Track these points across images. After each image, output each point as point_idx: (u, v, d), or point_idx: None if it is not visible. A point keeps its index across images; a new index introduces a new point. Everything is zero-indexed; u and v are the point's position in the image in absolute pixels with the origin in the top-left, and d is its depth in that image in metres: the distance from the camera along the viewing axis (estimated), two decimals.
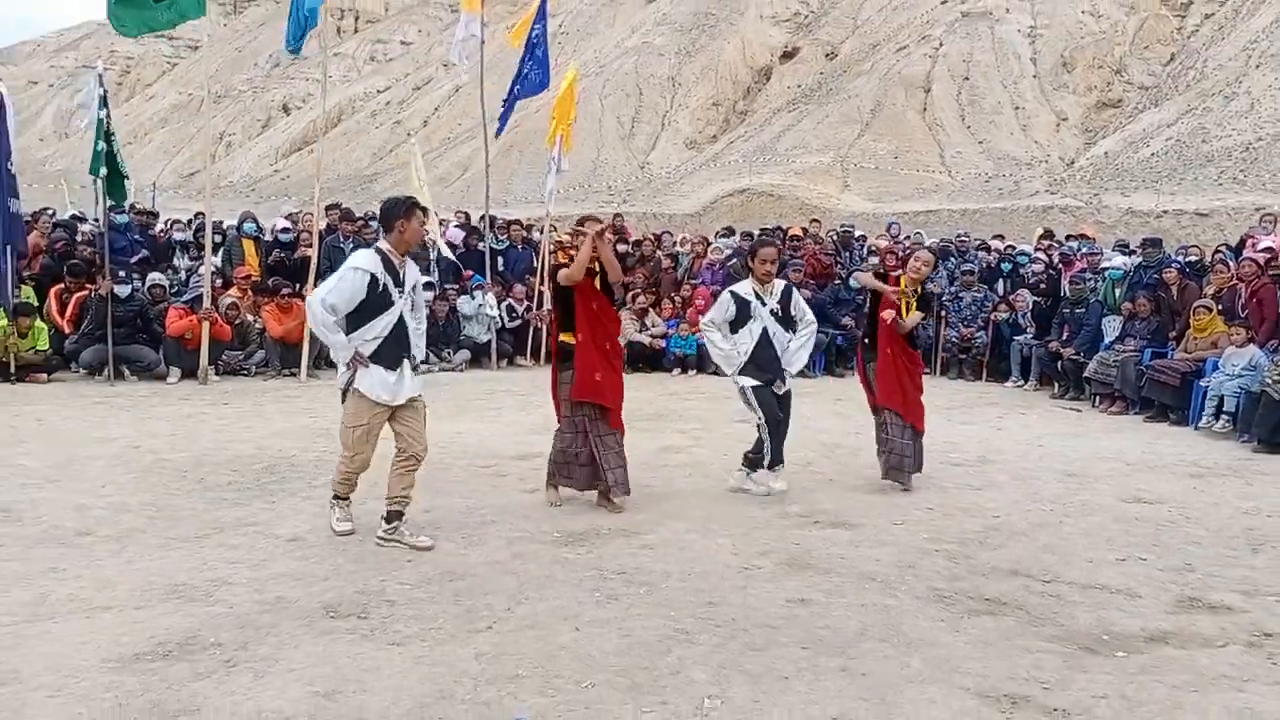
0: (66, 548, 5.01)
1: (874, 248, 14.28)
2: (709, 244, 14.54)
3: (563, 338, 6.15)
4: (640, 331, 12.86)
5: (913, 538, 5.60)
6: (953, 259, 13.91)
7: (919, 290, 6.96)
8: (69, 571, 4.64)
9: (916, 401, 6.94)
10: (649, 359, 12.74)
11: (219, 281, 11.82)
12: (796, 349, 6.64)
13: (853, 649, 4.00)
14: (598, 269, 6.18)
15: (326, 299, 5.11)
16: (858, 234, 15.22)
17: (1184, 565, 5.26)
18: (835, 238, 14.63)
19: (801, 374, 12.21)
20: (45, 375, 10.36)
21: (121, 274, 10.81)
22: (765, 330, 6.54)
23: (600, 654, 3.87)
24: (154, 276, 11.40)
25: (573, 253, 6.13)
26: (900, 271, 7.14)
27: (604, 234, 6.05)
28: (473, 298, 12.95)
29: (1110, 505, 6.52)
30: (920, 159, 64.20)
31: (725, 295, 6.74)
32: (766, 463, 6.59)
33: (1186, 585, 4.95)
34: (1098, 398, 10.83)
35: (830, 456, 7.80)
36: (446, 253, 13.04)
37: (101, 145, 10.41)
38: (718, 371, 12.51)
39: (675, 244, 14.96)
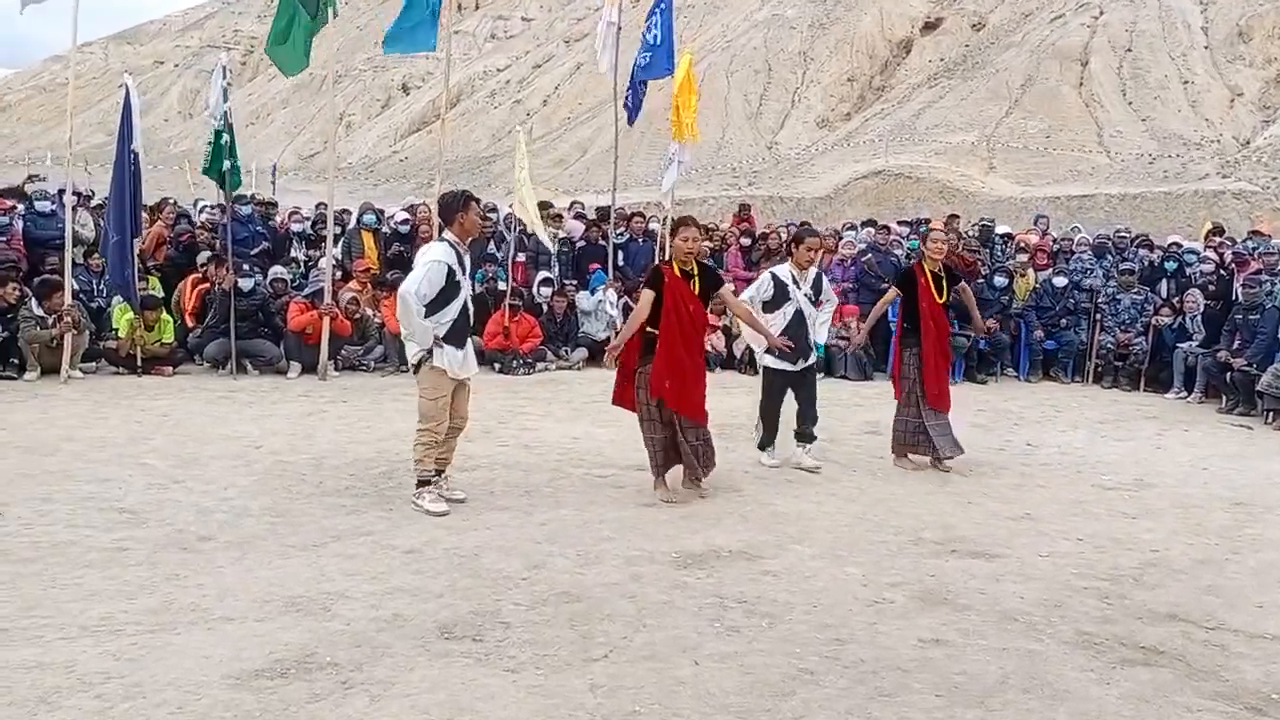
0: (189, 553, 5.28)
1: (1023, 244, 13.87)
2: (840, 237, 14.35)
3: (647, 329, 6.60)
4: None
5: (1060, 572, 5.44)
6: (1110, 256, 13.41)
7: (943, 271, 7.80)
8: (190, 579, 4.89)
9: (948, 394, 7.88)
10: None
11: (338, 274, 12.24)
12: (822, 322, 7.68)
13: (992, 699, 3.91)
14: (694, 271, 6.69)
15: (419, 290, 5.94)
16: (1001, 231, 14.75)
17: None
18: (974, 232, 14.25)
19: None
20: (170, 368, 10.93)
21: (245, 267, 11.31)
22: (799, 311, 7.40)
23: (720, 692, 3.89)
24: (276, 270, 11.89)
25: (688, 248, 6.63)
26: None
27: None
28: (592, 293, 13.10)
29: None
30: (1075, 138, 61.93)
31: (766, 276, 7.56)
32: (758, 442, 7.70)
33: None
34: (1271, 414, 10.30)
35: (971, 476, 7.63)
36: (545, 242, 13.04)
37: (225, 139, 10.86)
38: (847, 375, 12.40)
39: None
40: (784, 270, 7.51)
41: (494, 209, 14.25)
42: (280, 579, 4.94)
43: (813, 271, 7.56)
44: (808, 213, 44.61)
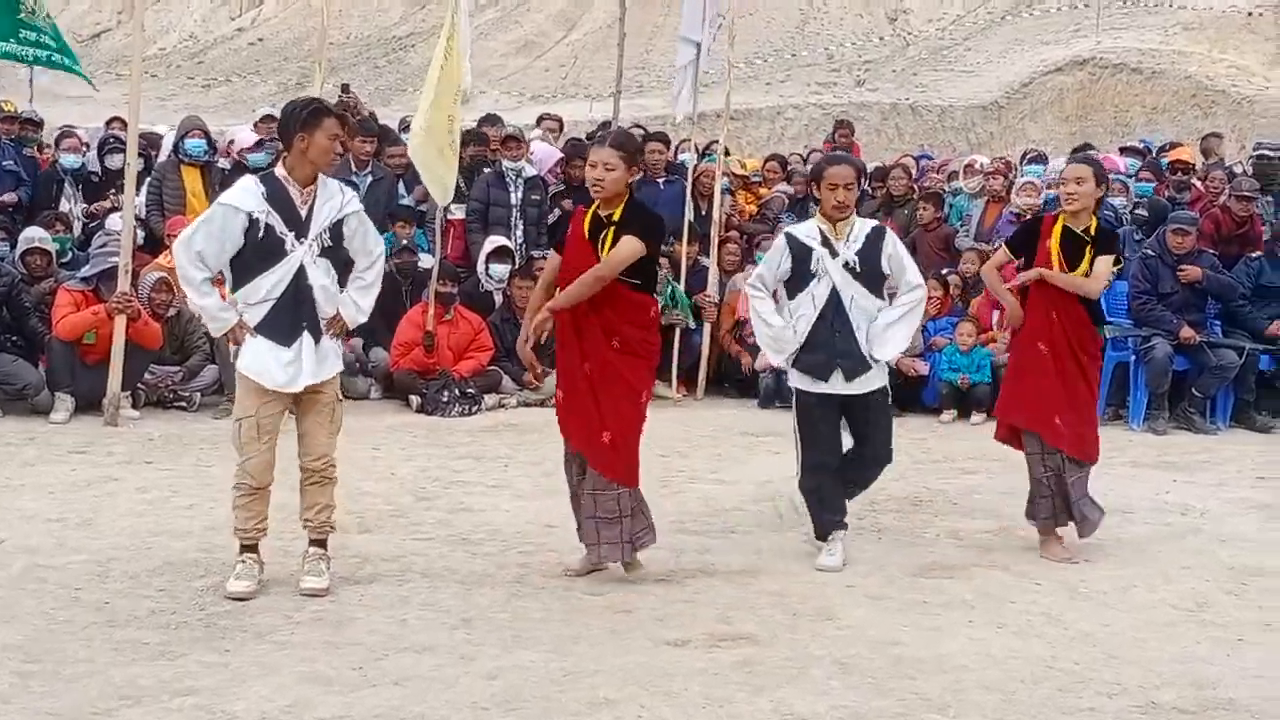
0: None
1: None
2: (1014, 174, 14.35)
3: None
4: None
5: None
6: None
7: (1090, 231, 7.97)
8: None
9: (1090, 420, 8.14)
10: (902, 392, 12.64)
11: (140, 238, 12.23)
12: (890, 324, 7.61)
13: None
14: (616, 216, 6.94)
15: (190, 243, 6.52)
16: None
17: None
18: (1248, 168, 14.25)
19: (1189, 424, 12.02)
20: None
21: None
22: (835, 293, 7.52)
23: None
24: (32, 234, 11.90)
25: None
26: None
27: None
28: None
29: None
30: None
31: (780, 241, 7.81)
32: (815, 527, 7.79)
33: None
34: None
35: (1242, 593, 7.57)
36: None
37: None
38: None
39: (952, 176, 14.83)
40: (807, 228, 7.71)
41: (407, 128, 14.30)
42: None
43: (864, 226, 7.70)
44: (959, 131, 44.57)
